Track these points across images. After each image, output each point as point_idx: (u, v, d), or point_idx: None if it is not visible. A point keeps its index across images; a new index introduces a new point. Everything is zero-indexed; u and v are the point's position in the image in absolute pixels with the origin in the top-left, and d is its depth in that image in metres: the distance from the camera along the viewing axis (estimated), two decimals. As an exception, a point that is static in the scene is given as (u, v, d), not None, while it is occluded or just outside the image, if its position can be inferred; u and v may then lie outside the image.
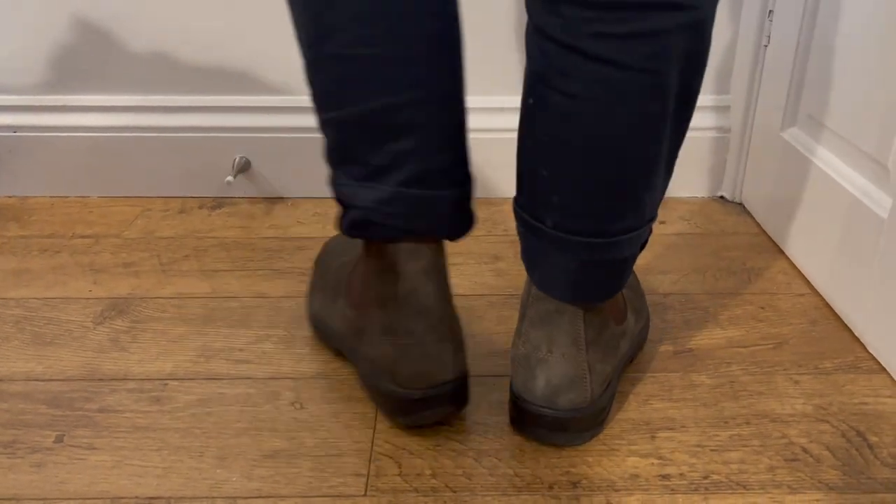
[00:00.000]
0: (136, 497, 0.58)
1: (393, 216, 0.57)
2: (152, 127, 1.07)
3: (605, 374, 0.62)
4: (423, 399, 0.61)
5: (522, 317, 0.62)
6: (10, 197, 1.09)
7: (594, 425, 0.62)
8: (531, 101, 0.55)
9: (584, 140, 0.53)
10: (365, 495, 0.58)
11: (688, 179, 1.08)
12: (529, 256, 0.61)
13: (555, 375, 0.60)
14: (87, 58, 1.04)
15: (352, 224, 0.60)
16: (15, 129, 1.07)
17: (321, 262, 0.78)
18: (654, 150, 0.54)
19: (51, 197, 1.09)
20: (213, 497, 0.58)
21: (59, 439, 0.64)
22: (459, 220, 0.61)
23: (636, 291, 0.73)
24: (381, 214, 0.57)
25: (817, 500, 0.57)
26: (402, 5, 0.52)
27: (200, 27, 1.02)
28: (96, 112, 1.07)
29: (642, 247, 0.61)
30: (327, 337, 0.74)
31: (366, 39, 0.52)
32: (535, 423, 0.61)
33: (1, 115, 1.06)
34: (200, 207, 1.07)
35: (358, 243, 0.67)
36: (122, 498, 0.58)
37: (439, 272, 0.61)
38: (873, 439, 0.63)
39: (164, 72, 1.05)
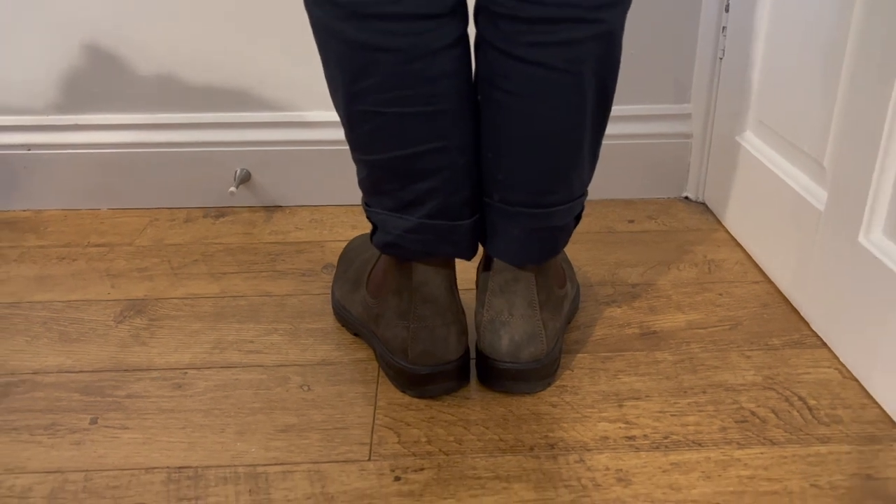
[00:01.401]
0: (168, 467, 0.66)
1: (418, 242, 0.68)
2: (158, 143, 1.15)
3: (556, 330, 0.73)
4: (431, 375, 0.71)
5: (483, 290, 0.72)
6: (25, 210, 1.17)
7: (549, 374, 0.73)
8: (479, 97, 0.66)
9: (520, 128, 0.64)
10: (369, 460, 0.66)
11: (654, 182, 1.17)
12: (483, 229, 0.71)
13: (517, 333, 0.70)
14: (96, 80, 1.12)
15: (384, 244, 0.69)
16: (29, 146, 1.14)
17: (345, 258, 0.88)
18: (578, 135, 0.65)
19: (64, 210, 1.17)
20: (236, 465, 0.66)
21: (93, 421, 0.72)
22: (474, 243, 0.71)
23: (569, 265, 0.86)
24: (408, 240, 0.68)
25: (762, 454, 0.66)
26: (426, 70, 0.61)
27: (202, 51, 1.11)
28: (106, 130, 1.14)
29: (577, 219, 0.73)
30: (348, 322, 0.83)
31: (395, 100, 0.62)
32: (501, 376, 0.72)
33: (17, 134, 1.14)
34: (205, 216, 1.15)
35: None
36: (155, 468, 0.66)
37: (447, 268, 0.70)
38: (812, 403, 0.72)
39: (168, 92, 1.13)
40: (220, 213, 1.16)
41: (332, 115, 1.13)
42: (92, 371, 0.79)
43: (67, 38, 1.10)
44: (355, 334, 0.83)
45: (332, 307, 0.88)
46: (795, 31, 0.87)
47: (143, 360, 0.81)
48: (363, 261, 0.83)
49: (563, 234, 0.71)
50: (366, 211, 0.71)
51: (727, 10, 1.04)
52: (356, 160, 0.68)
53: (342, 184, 1.16)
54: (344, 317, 0.84)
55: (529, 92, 0.63)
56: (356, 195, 1.16)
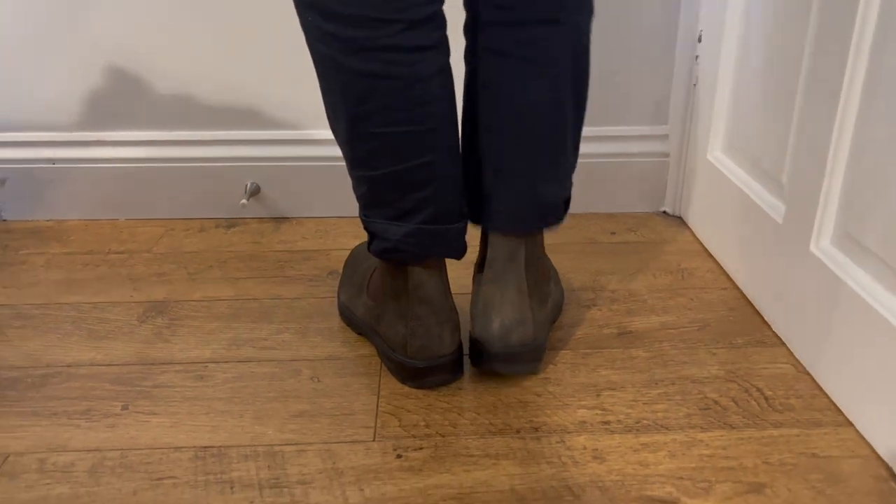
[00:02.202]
0: (194, 447, 0.74)
1: (415, 245, 0.76)
2: (174, 158, 1.23)
3: (542, 318, 0.82)
4: (428, 368, 0.80)
5: (478, 283, 0.82)
6: (49, 220, 1.25)
7: (536, 359, 0.82)
8: (476, 90, 0.77)
9: (515, 114, 0.75)
10: (374, 441, 0.74)
11: (635, 197, 1.26)
12: (480, 211, 0.81)
13: (507, 318, 0.79)
14: (117, 100, 1.21)
15: (382, 251, 0.78)
16: (54, 161, 1.23)
17: (348, 265, 0.97)
18: (562, 118, 0.77)
19: (84, 220, 1.25)
20: (255, 445, 0.74)
21: (124, 408, 0.80)
22: (463, 244, 0.80)
23: (554, 271, 0.95)
24: (406, 244, 0.76)
25: (721, 436, 0.75)
26: (422, 94, 0.71)
27: (216, 73, 1.20)
28: (125, 146, 1.23)
29: (566, 205, 0.83)
30: (352, 322, 0.92)
31: (393, 122, 0.71)
32: (492, 359, 0.80)
33: (42, 149, 1.23)
34: (217, 227, 1.23)
35: None
36: (183, 447, 0.74)
37: (440, 272, 0.79)
38: (769, 393, 0.81)
39: (184, 110, 1.22)
40: (232, 223, 1.24)
41: (337, 134, 1.22)
42: (120, 364, 0.87)
43: (91, 61, 1.19)
44: (359, 333, 0.92)
45: (338, 309, 0.96)
46: (758, 60, 0.97)
47: (166, 355, 0.89)
48: (365, 268, 0.92)
49: (553, 210, 0.81)
50: (364, 222, 0.79)
51: (700, 41, 1.14)
52: (356, 177, 0.77)
53: (345, 197, 1.25)
54: (349, 318, 0.93)
55: (521, 82, 0.74)
56: (357, 208, 1.25)
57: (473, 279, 0.84)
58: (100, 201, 1.25)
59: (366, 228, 0.79)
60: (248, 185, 1.23)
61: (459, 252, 0.80)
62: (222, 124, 1.23)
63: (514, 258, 0.80)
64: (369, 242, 0.80)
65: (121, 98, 1.21)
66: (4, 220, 1.25)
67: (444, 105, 0.73)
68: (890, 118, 0.70)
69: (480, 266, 0.83)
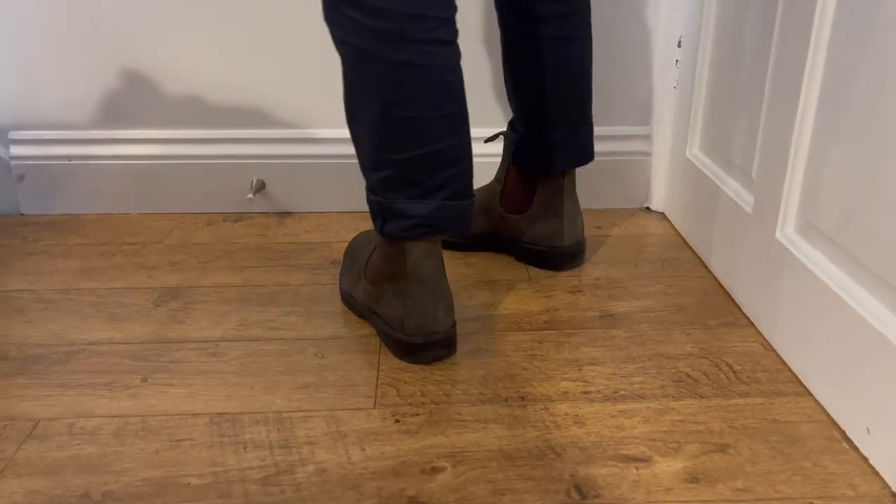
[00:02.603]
0: (209, 413, 0.81)
1: (439, 220, 0.84)
2: (184, 155, 1.30)
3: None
4: (423, 344, 0.87)
5: (551, 203, 1.08)
6: (65, 214, 1.32)
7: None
8: (529, 62, 1.01)
9: (562, 77, 1.02)
10: (374, 408, 0.81)
11: (620, 194, 1.34)
12: (540, 163, 1.06)
13: (580, 223, 1.11)
14: (131, 100, 1.28)
15: (406, 228, 0.84)
16: (70, 158, 1.30)
17: (348, 255, 1.04)
18: (590, 76, 1.05)
19: (99, 214, 1.32)
20: (265, 412, 0.81)
21: (144, 380, 0.86)
22: (473, 218, 0.89)
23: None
24: (430, 220, 0.84)
25: (692, 404, 0.82)
26: (448, 83, 0.81)
27: (226, 75, 1.27)
28: (137, 144, 1.30)
29: (591, 147, 1.09)
30: (353, 306, 0.99)
31: (427, 107, 0.80)
32: (580, 251, 1.11)
33: (59, 147, 1.30)
34: (224, 220, 1.30)
35: (374, 240, 0.93)
36: (199, 414, 0.81)
37: (436, 254, 0.86)
38: (737, 368, 0.88)
39: (193, 110, 1.29)
40: (238, 217, 1.32)
41: (338, 133, 1.30)
42: (139, 343, 0.94)
43: (105, 63, 1.26)
44: (360, 316, 0.99)
45: (340, 295, 1.03)
46: (731, 65, 1.05)
47: (181, 334, 0.95)
48: (362, 256, 0.99)
49: (590, 149, 1.08)
50: (380, 205, 0.85)
51: (679, 46, 1.21)
52: (380, 161, 0.83)
53: (346, 193, 1.32)
54: (350, 302, 1.00)
55: (562, 55, 1.01)
56: (358, 203, 1.32)
57: (520, 220, 1.10)
58: (114, 196, 1.32)
59: (381, 212, 0.85)
60: (254, 182, 1.30)
61: (471, 225, 0.88)
62: (230, 124, 1.30)
63: (572, 186, 1.08)
64: (382, 225, 0.86)
65: (134, 99, 1.28)
66: (23, 215, 1.32)
67: (463, 93, 0.83)
68: (843, 120, 0.77)
69: (529, 198, 1.09)
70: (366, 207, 1.33)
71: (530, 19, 0.99)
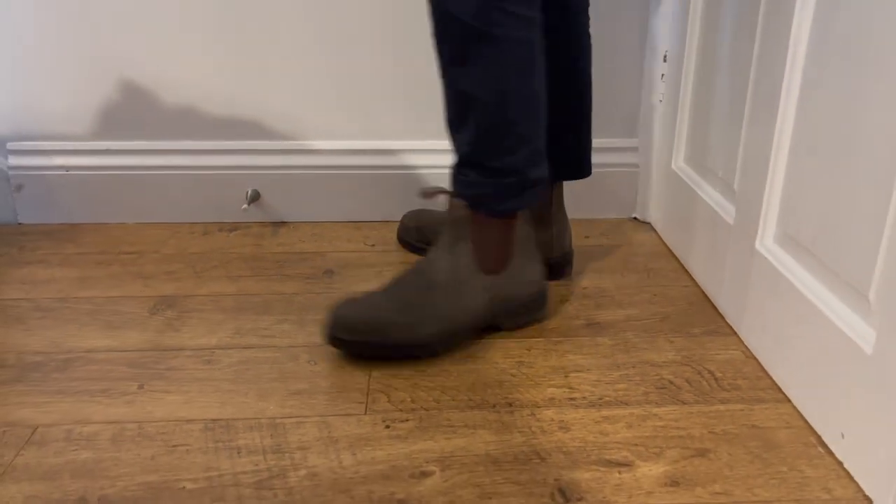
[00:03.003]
0: (204, 419, 0.83)
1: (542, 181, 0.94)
2: (179, 166, 1.33)
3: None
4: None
5: (547, 216, 1.10)
6: (62, 224, 1.34)
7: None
8: (565, 67, 1.04)
9: (584, 84, 1.08)
10: (365, 414, 0.83)
11: (607, 204, 1.37)
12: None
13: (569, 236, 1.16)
14: (127, 111, 1.31)
15: (532, 195, 0.93)
16: (67, 168, 1.32)
17: (410, 307, 0.92)
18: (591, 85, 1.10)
19: (96, 223, 1.34)
20: (259, 418, 0.83)
21: (140, 387, 0.88)
22: None
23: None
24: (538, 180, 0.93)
25: (674, 410, 0.84)
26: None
27: (221, 87, 1.30)
28: (134, 154, 1.32)
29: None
30: (462, 334, 0.96)
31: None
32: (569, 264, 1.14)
33: (56, 157, 1.32)
34: (220, 230, 1.32)
35: (445, 257, 0.95)
36: (194, 420, 0.83)
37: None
38: (719, 375, 0.91)
39: (189, 122, 1.32)
40: (233, 227, 1.34)
41: (332, 144, 1.32)
42: (135, 350, 0.96)
43: (101, 75, 1.28)
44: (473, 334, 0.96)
45: (433, 341, 0.92)
46: (714, 80, 1.08)
47: (176, 342, 0.98)
48: (456, 278, 0.93)
49: (589, 160, 1.12)
50: (521, 180, 0.91)
51: (665, 61, 1.24)
52: (530, 135, 0.91)
53: (340, 203, 1.35)
54: (459, 333, 0.94)
55: (585, 55, 1.07)
56: (352, 212, 1.35)
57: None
58: (110, 206, 1.34)
59: (521, 186, 0.91)
60: (249, 192, 1.32)
61: None
62: (225, 135, 1.33)
63: (560, 198, 1.10)
64: (520, 200, 0.93)
65: (130, 110, 1.30)
66: (20, 224, 1.34)
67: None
68: (817, 135, 0.80)
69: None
70: (358, 217, 1.36)
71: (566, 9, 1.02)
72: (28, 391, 0.87)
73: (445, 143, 1.31)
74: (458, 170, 0.92)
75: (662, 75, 1.25)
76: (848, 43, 0.74)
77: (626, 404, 0.85)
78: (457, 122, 0.90)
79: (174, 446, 0.78)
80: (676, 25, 1.20)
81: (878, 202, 0.70)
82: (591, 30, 1.26)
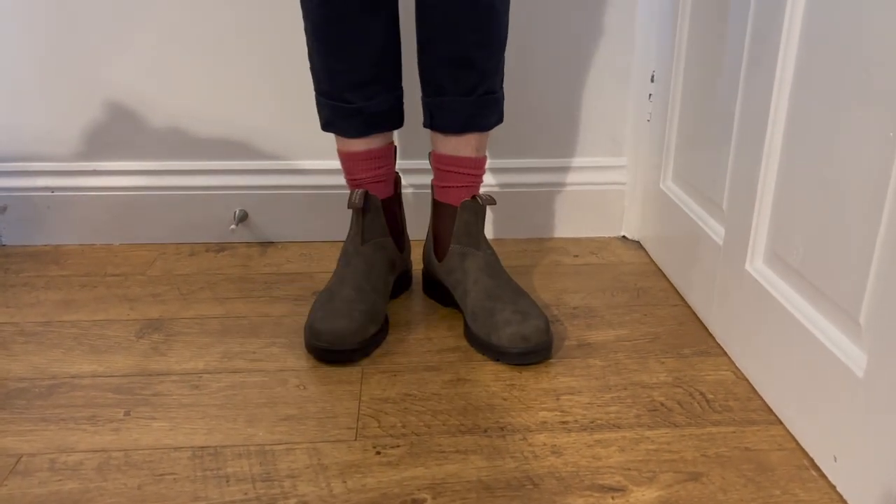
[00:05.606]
0: (192, 447, 0.81)
1: None
2: (166, 186, 1.32)
3: None
4: None
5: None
6: (46, 245, 1.32)
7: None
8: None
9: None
10: (356, 440, 0.82)
11: (596, 223, 1.37)
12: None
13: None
14: (112, 132, 1.30)
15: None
16: (52, 189, 1.30)
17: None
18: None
19: (81, 245, 1.33)
20: (247, 445, 0.82)
21: (126, 413, 0.87)
22: None
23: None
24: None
25: (666, 433, 0.84)
26: None
27: (205, 107, 1.29)
28: (120, 175, 1.31)
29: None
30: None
31: None
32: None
33: (42, 178, 1.30)
34: (207, 251, 1.31)
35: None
36: (182, 447, 0.81)
37: None
38: (710, 397, 0.90)
39: (176, 142, 1.31)
40: (221, 247, 1.33)
41: (320, 164, 1.32)
42: (121, 375, 0.94)
43: (87, 96, 1.27)
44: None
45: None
46: (702, 100, 1.08)
47: (163, 367, 0.96)
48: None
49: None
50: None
51: (653, 81, 1.25)
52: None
53: (328, 223, 1.34)
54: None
55: None
56: (340, 232, 1.34)
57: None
58: (96, 227, 1.33)
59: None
60: (237, 212, 1.31)
61: None
62: (212, 155, 1.32)
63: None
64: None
65: (116, 130, 1.29)
66: (4, 245, 1.32)
67: None
68: (805, 157, 0.81)
69: None
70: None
71: None
72: (12, 419, 0.86)
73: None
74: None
75: (650, 95, 1.26)
76: (835, 65, 0.75)
77: (619, 427, 0.85)
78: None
79: (161, 475, 0.77)
80: (664, 45, 1.20)
81: (868, 224, 0.70)
82: (579, 50, 1.26)
